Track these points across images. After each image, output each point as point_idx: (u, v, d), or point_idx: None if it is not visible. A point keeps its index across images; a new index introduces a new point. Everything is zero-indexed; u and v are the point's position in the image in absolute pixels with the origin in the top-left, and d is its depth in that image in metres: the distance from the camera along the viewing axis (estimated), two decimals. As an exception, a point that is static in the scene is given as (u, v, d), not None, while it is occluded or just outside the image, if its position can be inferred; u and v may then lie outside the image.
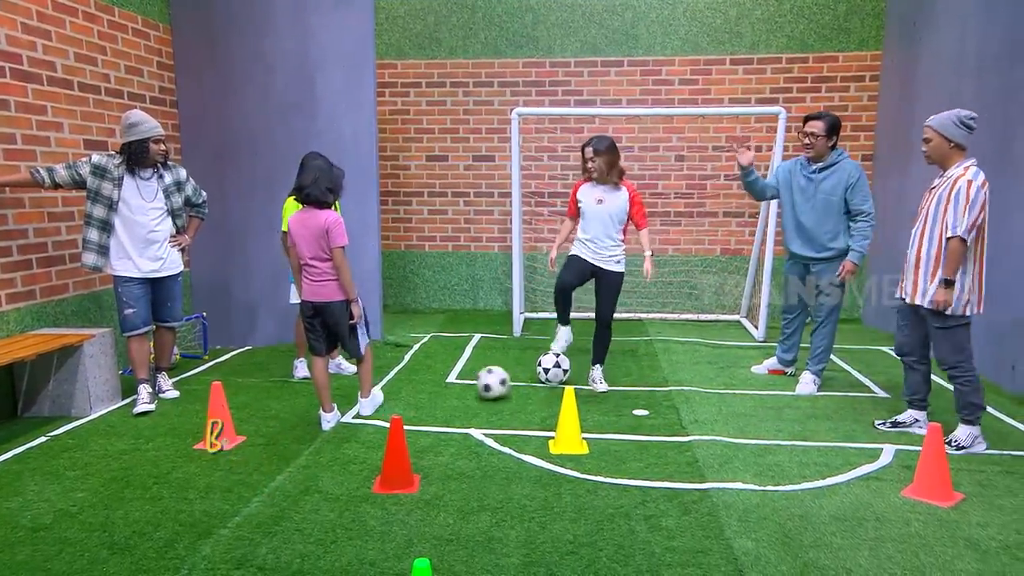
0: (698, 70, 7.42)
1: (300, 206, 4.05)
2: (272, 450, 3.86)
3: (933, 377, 4.28)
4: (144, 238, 4.49)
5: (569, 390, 3.95)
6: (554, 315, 5.32)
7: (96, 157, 4.38)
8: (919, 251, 3.87)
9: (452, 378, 5.28)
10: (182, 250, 4.79)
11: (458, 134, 7.82)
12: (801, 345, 5.28)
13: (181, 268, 4.78)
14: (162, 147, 4.49)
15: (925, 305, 3.82)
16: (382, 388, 4.99)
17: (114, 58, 5.31)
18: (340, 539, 2.91)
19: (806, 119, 4.74)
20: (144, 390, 4.53)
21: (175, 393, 4.84)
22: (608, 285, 4.83)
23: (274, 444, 3.95)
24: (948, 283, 3.68)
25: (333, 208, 4.11)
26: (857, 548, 2.85)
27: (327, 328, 4.15)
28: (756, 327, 6.67)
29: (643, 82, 7.49)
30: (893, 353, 6.01)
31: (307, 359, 5.16)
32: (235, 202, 6.00)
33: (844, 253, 4.74)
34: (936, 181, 3.86)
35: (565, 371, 5.05)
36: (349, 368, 5.39)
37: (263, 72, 5.87)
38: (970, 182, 3.61)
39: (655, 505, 3.21)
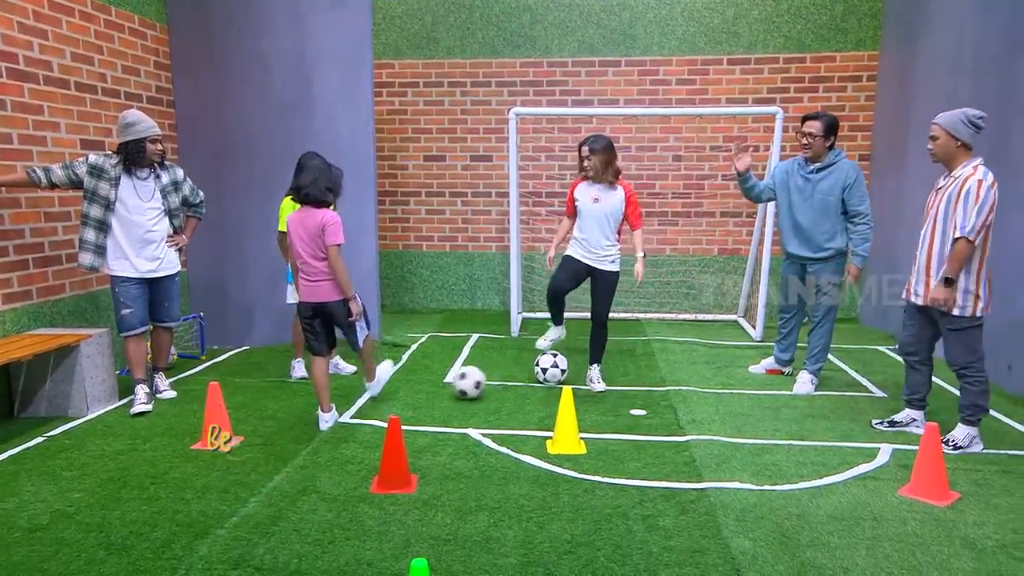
0: (695, 70, 7.43)
1: (297, 206, 4.05)
2: (270, 450, 3.86)
3: (933, 378, 4.28)
4: (141, 238, 4.48)
5: (567, 390, 3.96)
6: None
7: (93, 157, 4.37)
8: (930, 252, 3.81)
9: (450, 378, 5.27)
10: (179, 250, 4.78)
11: (455, 134, 7.82)
12: (798, 345, 5.29)
13: (178, 268, 4.78)
14: (159, 147, 4.48)
15: (931, 305, 3.79)
16: (382, 387, 4.99)
17: (111, 57, 5.30)
18: (338, 539, 2.91)
19: (804, 119, 4.74)
20: (141, 390, 4.52)
21: (172, 393, 4.83)
22: (603, 285, 4.84)
23: (272, 444, 3.95)
24: (948, 281, 3.66)
25: (332, 208, 4.11)
26: (854, 547, 2.85)
27: (326, 327, 4.15)
28: (754, 327, 6.68)
29: (640, 82, 7.50)
30: (892, 353, 6.04)
31: (305, 359, 5.16)
32: (232, 202, 5.99)
33: (841, 253, 4.75)
34: (942, 181, 3.83)
35: (563, 371, 5.06)
36: (347, 368, 5.39)
37: (260, 72, 5.86)
38: (980, 182, 3.58)
39: (652, 505, 3.21)
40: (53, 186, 4.35)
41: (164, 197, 4.58)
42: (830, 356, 5.71)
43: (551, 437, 3.98)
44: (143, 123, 4.38)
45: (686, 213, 7.68)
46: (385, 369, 4.73)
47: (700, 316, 7.47)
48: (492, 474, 3.54)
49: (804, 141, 4.70)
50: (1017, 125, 4.82)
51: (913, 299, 3.96)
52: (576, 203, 4.86)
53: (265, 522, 3.05)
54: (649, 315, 7.52)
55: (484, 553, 2.80)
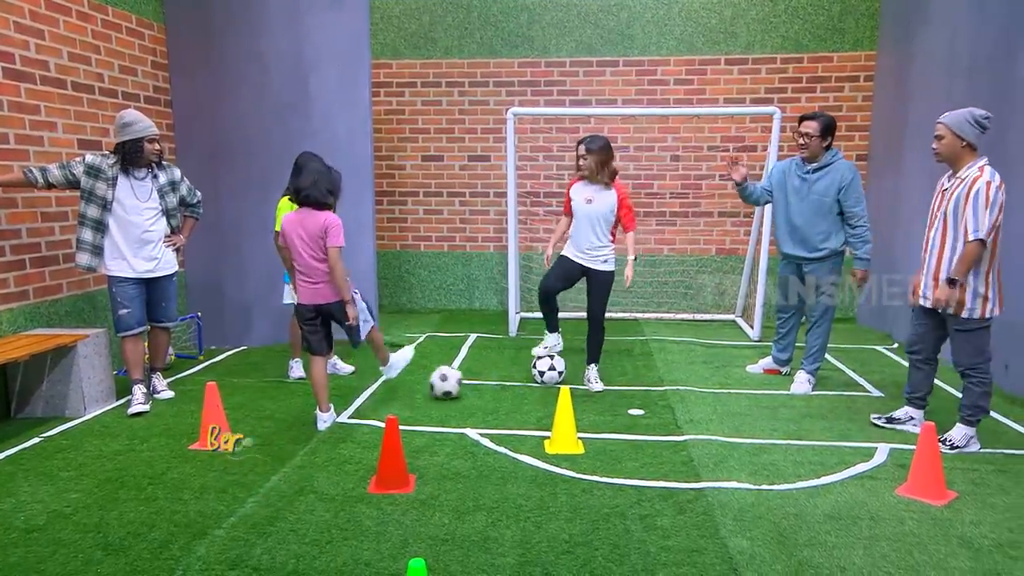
0: (693, 70, 7.43)
1: (294, 206, 4.04)
2: (267, 450, 3.86)
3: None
4: (139, 238, 4.47)
5: (565, 390, 3.96)
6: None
7: (90, 157, 4.36)
8: (940, 255, 3.76)
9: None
10: (177, 250, 4.78)
11: (453, 134, 7.82)
12: (796, 345, 5.30)
13: (176, 268, 4.77)
14: (156, 147, 4.47)
15: (935, 307, 3.76)
16: (379, 387, 5.00)
17: (108, 57, 5.29)
18: (335, 539, 2.91)
19: (801, 119, 4.75)
20: (139, 390, 4.52)
21: (170, 393, 4.82)
22: (598, 284, 4.85)
23: (269, 444, 3.94)
24: (952, 282, 3.63)
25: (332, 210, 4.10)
26: (851, 547, 2.86)
27: (327, 327, 4.16)
28: (751, 327, 6.69)
29: (638, 82, 7.50)
30: (890, 353, 6.05)
31: (303, 359, 5.17)
32: (229, 202, 5.98)
33: (836, 253, 4.76)
34: (946, 182, 3.79)
35: (560, 373, 5.06)
36: (345, 368, 5.39)
37: (258, 72, 5.85)
38: (989, 183, 3.54)
39: (650, 504, 3.21)
40: (50, 186, 4.34)
41: (161, 197, 4.58)
42: (827, 356, 5.71)
43: (549, 437, 3.98)
44: (141, 123, 4.38)
45: (684, 213, 7.68)
46: (404, 356, 4.70)
47: (698, 316, 7.48)
48: (490, 474, 3.54)
49: (801, 141, 4.70)
50: (1013, 125, 4.83)
51: (922, 302, 3.91)
52: (571, 202, 4.87)
53: (263, 522, 3.04)
54: (647, 315, 7.53)
55: (482, 553, 2.80)
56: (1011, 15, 4.93)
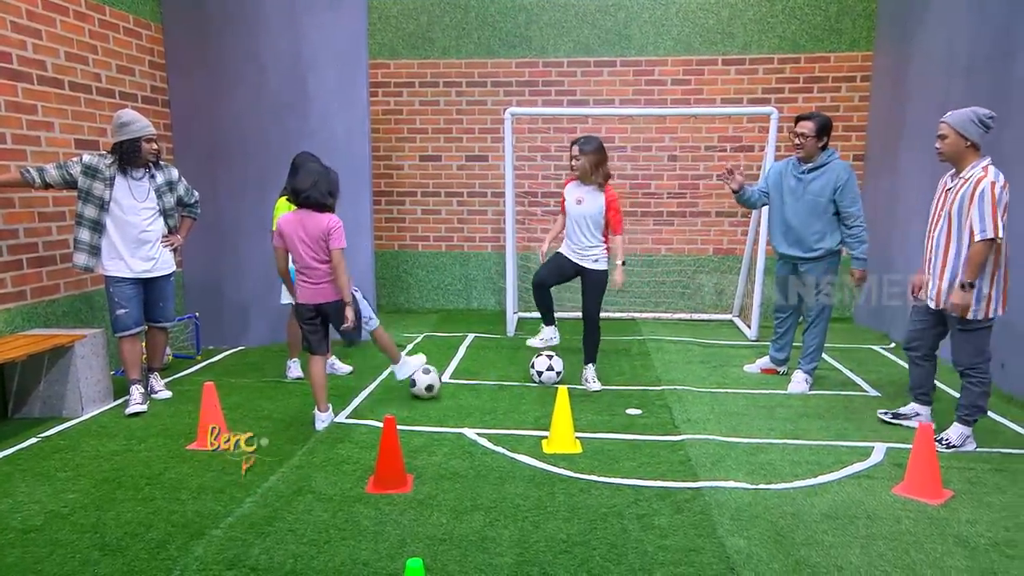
0: (690, 70, 7.44)
1: (292, 207, 4.04)
2: (265, 450, 3.84)
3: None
4: (136, 238, 4.47)
5: (562, 389, 3.96)
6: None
7: (87, 157, 4.36)
8: (946, 254, 3.73)
9: (446, 378, 5.27)
10: (174, 250, 4.77)
11: (451, 134, 7.82)
12: (793, 344, 5.31)
13: (173, 268, 4.76)
14: (154, 146, 4.47)
15: (951, 312, 3.72)
16: (377, 387, 5.00)
17: (105, 57, 5.28)
18: (333, 539, 2.91)
19: (797, 119, 4.76)
20: (136, 391, 4.51)
21: (167, 394, 4.82)
22: (591, 283, 4.87)
23: (267, 444, 3.94)
24: (967, 286, 3.59)
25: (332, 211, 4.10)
26: (848, 546, 2.87)
27: (326, 327, 4.16)
28: (749, 326, 6.70)
29: (636, 82, 7.51)
30: (886, 352, 6.06)
31: (301, 359, 5.17)
32: (227, 202, 5.98)
33: (831, 253, 4.77)
34: (949, 182, 3.78)
35: (558, 373, 5.06)
36: (343, 368, 5.39)
37: (255, 72, 5.85)
38: (993, 183, 3.52)
39: (648, 504, 3.22)
40: (47, 186, 4.34)
41: (159, 197, 4.57)
42: (824, 355, 5.72)
43: (547, 436, 3.99)
44: (138, 123, 4.37)
45: (681, 213, 7.69)
46: (417, 360, 4.71)
47: (695, 316, 7.48)
48: (488, 474, 3.54)
49: (796, 141, 4.71)
50: (1010, 125, 4.84)
51: (929, 303, 3.88)
52: (565, 201, 4.89)
53: (261, 522, 3.04)
54: (644, 314, 7.53)
55: (480, 553, 2.80)
56: (1009, 15, 4.95)
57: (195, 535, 2.94)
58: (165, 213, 4.63)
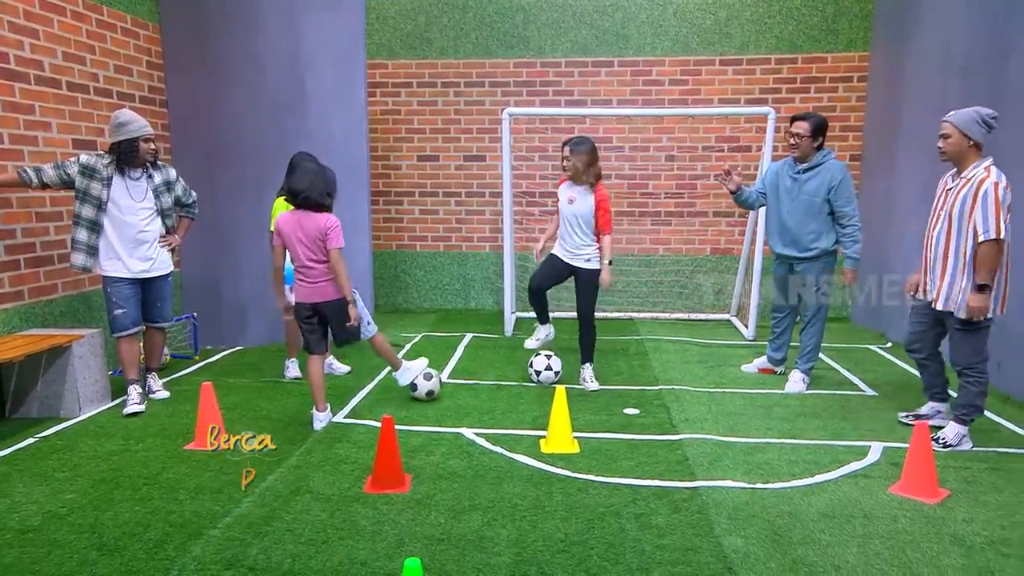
0: (688, 71, 7.45)
1: (289, 207, 4.04)
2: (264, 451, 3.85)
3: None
4: (134, 238, 4.46)
5: (560, 389, 3.97)
6: (544, 315, 5.33)
7: (85, 157, 4.35)
8: (946, 253, 3.73)
9: (444, 378, 5.28)
10: (172, 250, 4.77)
11: (449, 134, 7.82)
12: (791, 344, 5.32)
13: (171, 268, 4.76)
14: (152, 146, 4.46)
15: (957, 314, 3.70)
16: (375, 387, 5.00)
17: (103, 57, 5.28)
18: (331, 539, 2.91)
19: (792, 119, 4.78)
20: (134, 391, 4.51)
21: (165, 394, 4.82)
22: (583, 283, 4.88)
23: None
24: (983, 288, 3.57)
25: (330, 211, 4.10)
26: (845, 545, 2.87)
27: (324, 326, 4.16)
28: (746, 326, 6.71)
29: (633, 82, 7.52)
30: (883, 352, 6.08)
31: (299, 359, 5.17)
32: (225, 202, 5.97)
33: (827, 253, 4.78)
34: (950, 182, 3.78)
35: (557, 373, 5.06)
36: (341, 368, 5.39)
37: (253, 72, 5.85)
38: (996, 183, 3.52)
39: (645, 503, 3.22)
40: (44, 186, 4.33)
41: (157, 197, 4.57)
42: (821, 355, 5.73)
43: (544, 436, 3.99)
44: (136, 123, 4.37)
45: (679, 213, 7.70)
46: (419, 364, 4.69)
47: (693, 315, 7.50)
48: (486, 473, 3.55)
49: (792, 141, 4.73)
50: (1006, 124, 4.85)
51: (929, 301, 3.89)
52: (558, 201, 4.90)
53: (258, 522, 3.05)
54: (642, 314, 7.54)
55: (478, 552, 2.81)
56: (1005, 15, 4.96)
57: (193, 535, 2.94)
58: (163, 213, 4.63)
